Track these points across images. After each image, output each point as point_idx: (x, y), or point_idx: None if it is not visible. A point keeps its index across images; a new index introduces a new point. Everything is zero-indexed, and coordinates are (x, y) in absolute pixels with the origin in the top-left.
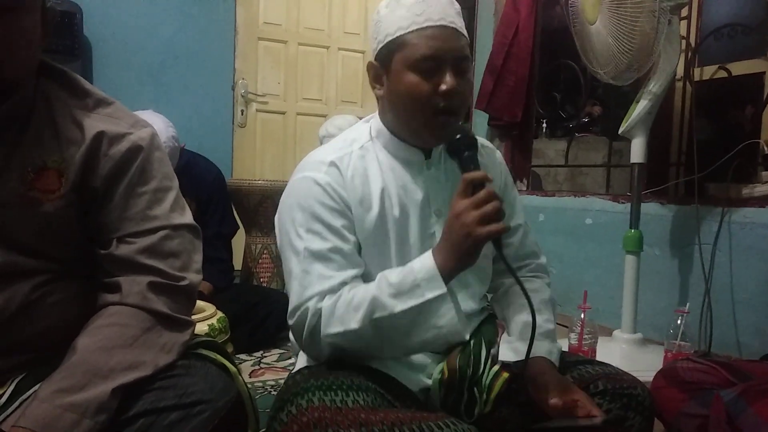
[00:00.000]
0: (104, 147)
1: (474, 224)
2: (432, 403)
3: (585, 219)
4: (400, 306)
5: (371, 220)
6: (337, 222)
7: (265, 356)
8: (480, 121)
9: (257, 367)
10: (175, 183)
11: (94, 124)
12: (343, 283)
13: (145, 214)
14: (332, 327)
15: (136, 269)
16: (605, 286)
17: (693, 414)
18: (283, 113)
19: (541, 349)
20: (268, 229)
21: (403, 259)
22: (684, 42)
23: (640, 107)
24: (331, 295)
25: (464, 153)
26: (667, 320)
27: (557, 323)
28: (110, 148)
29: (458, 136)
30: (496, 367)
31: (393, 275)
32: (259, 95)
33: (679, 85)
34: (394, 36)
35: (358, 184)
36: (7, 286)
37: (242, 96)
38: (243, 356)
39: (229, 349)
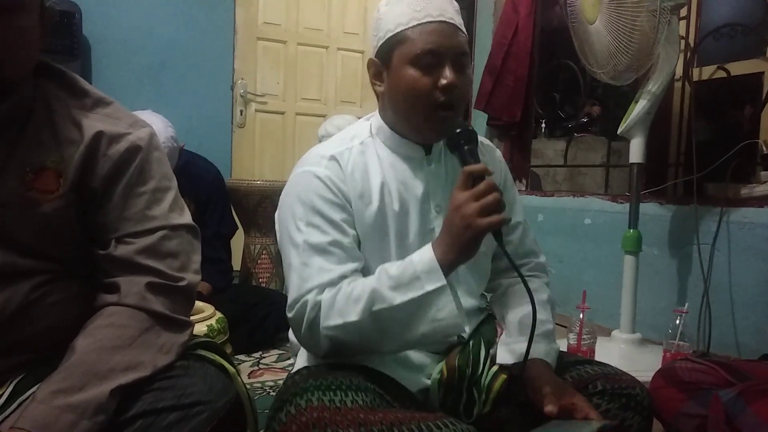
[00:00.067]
0: (103, 147)
1: (474, 216)
2: (431, 404)
3: (584, 219)
4: (399, 298)
5: (371, 215)
6: (337, 216)
7: (264, 357)
8: (479, 121)
9: (256, 367)
10: (174, 183)
11: (92, 124)
12: (343, 277)
13: (144, 215)
14: (331, 319)
15: (134, 269)
16: (604, 286)
17: (692, 414)
18: (282, 113)
19: (538, 350)
20: (267, 229)
21: (403, 254)
22: (683, 42)
23: (639, 107)
24: (330, 288)
25: (464, 147)
26: (665, 320)
27: (556, 323)
28: (109, 148)
29: (458, 130)
30: (495, 368)
31: (393, 268)
32: (258, 95)
33: (678, 85)
34: (394, 32)
35: (358, 179)
36: (7, 286)
37: (241, 96)
38: (242, 357)
39: (228, 349)
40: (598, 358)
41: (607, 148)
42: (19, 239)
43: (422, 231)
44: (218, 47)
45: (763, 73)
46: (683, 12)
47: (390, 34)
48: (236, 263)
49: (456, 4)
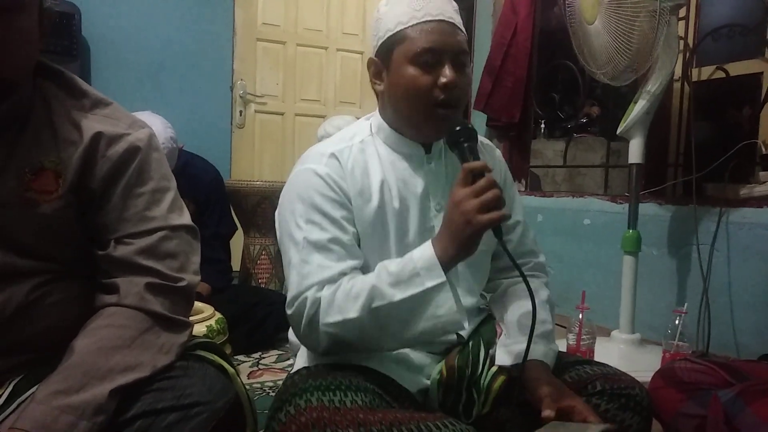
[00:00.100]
0: (102, 148)
1: (474, 212)
2: (430, 404)
3: (583, 219)
4: (399, 295)
5: (371, 212)
6: (337, 213)
7: (264, 357)
8: (478, 122)
9: (255, 368)
10: (173, 184)
11: (91, 124)
12: (342, 274)
13: (143, 215)
14: (331, 316)
15: (134, 270)
16: (603, 286)
17: (691, 414)
18: (282, 114)
19: (537, 352)
20: (267, 230)
21: (403, 252)
22: (682, 42)
23: (638, 108)
24: (330, 284)
25: (464, 144)
26: (665, 320)
27: (555, 324)
28: (108, 148)
29: (458, 128)
30: (494, 368)
31: (392, 264)
32: (257, 96)
33: (677, 85)
34: (394, 31)
35: (358, 176)
36: (6, 287)
37: (241, 97)
38: (241, 357)
39: (228, 350)
40: (597, 358)
41: (606, 148)
42: (18, 239)
43: (422, 229)
44: (217, 48)
45: (762, 73)
46: (682, 12)
47: (390, 34)
48: (235, 264)
49: (455, 3)
